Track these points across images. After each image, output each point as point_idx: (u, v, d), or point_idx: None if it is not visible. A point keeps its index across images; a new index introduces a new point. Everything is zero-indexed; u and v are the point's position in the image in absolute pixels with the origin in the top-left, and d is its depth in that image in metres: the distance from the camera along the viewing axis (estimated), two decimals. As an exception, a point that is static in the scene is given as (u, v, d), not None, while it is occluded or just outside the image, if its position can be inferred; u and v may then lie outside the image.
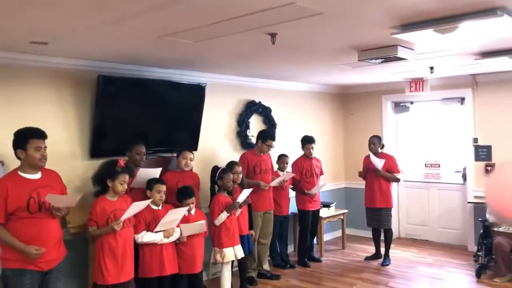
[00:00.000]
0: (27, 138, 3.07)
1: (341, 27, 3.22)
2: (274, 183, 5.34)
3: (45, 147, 3.14)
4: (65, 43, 3.50)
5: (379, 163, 5.73)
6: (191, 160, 4.54)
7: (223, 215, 4.41)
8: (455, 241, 6.61)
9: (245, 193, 4.55)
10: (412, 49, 3.99)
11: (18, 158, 3.12)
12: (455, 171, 6.60)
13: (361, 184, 6.31)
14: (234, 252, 4.48)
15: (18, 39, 3.29)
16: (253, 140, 5.69)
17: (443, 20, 2.95)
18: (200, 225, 4.12)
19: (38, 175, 3.16)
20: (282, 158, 5.66)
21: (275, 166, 5.68)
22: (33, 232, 3.05)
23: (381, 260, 5.98)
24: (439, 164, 6.83)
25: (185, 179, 4.45)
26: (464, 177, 6.45)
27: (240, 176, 4.81)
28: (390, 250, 5.98)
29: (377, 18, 2.97)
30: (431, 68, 5.24)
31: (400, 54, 3.88)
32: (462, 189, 6.51)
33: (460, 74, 5.94)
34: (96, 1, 2.46)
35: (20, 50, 3.70)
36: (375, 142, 5.92)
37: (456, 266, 5.71)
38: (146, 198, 3.91)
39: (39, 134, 3.12)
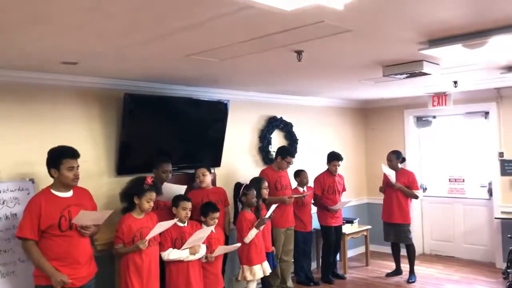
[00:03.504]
0: (60, 158, 3.13)
1: (367, 44, 3.22)
2: (293, 198, 5.30)
3: (78, 166, 3.20)
4: (94, 63, 3.57)
5: (391, 174, 5.68)
6: (203, 175, 4.52)
7: (253, 232, 4.41)
8: (482, 257, 6.46)
9: (273, 207, 4.56)
10: (437, 64, 3.96)
11: (52, 177, 3.18)
12: (481, 186, 6.49)
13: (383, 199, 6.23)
14: (262, 269, 4.47)
15: (50, 60, 3.37)
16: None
17: (472, 35, 2.93)
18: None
19: (70, 193, 3.21)
20: (302, 173, 5.63)
21: (293, 183, 5.64)
22: (64, 250, 3.09)
23: (402, 276, 5.89)
24: (463, 179, 6.71)
25: (210, 195, 4.46)
26: (490, 192, 6.34)
27: (268, 191, 4.83)
28: (415, 267, 5.87)
29: (405, 34, 2.96)
30: (455, 82, 5.19)
31: (425, 69, 3.85)
32: (488, 204, 6.39)
33: (484, 88, 5.87)
34: (126, 23, 2.51)
35: (51, 70, 3.78)
36: (392, 159, 5.85)
37: (484, 283, 5.57)
38: (172, 215, 3.93)
39: (73, 154, 3.17)
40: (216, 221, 4.12)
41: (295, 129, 6.25)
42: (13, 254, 3.46)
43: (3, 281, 3.39)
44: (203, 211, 4.12)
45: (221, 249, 4.05)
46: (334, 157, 5.81)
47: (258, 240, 4.46)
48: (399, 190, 5.73)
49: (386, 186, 5.87)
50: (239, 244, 4.26)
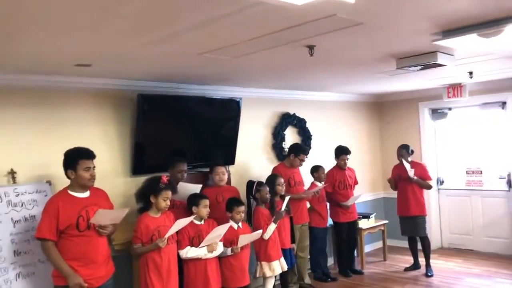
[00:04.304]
0: (76, 159, 3.16)
1: (380, 37, 3.18)
2: (311, 192, 5.30)
3: (94, 167, 3.23)
4: (107, 65, 3.59)
5: (410, 170, 5.64)
6: (223, 174, 4.54)
7: (272, 227, 4.41)
8: (502, 250, 6.35)
9: (287, 199, 4.56)
10: (452, 55, 3.90)
11: (69, 178, 3.21)
12: (499, 177, 6.38)
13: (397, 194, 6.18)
14: (280, 265, 4.47)
15: (64, 63, 3.39)
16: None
17: (487, 24, 2.87)
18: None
19: (87, 194, 3.24)
20: (320, 169, 5.58)
21: (310, 178, 5.61)
22: (82, 250, 3.12)
23: (421, 270, 5.83)
24: (481, 171, 6.61)
25: (224, 193, 4.47)
26: (509, 183, 6.23)
27: (284, 187, 4.82)
28: (433, 261, 5.82)
29: (418, 26, 2.92)
30: (471, 73, 5.11)
31: (440, 61, 3.79)
32: (507, 196, 6.29)
33: (501, 77, 5.77)
34: (139, 23, 2.52)
35: (64, 73, 3.81)
36: (403, 154, 5.79)
37: (506, 276, 5.48)
38: (188, 213, 3.95)
39: (88, 155, 3.21)
40: (242, 215, 4.16)
41: (308, 125, 6.21)
42: (32, 255, 3.51)
43: (24, 282, 3.45)
44: (228, 207, 4.16)
45: (244, 238, 4.02)
46: (342, 151, 5.77)
47: (275, 236, 4.46)
48: (414, 183, 5.67)
49: (399, 180, 5.82)
50: (260, 231, 4.25)
